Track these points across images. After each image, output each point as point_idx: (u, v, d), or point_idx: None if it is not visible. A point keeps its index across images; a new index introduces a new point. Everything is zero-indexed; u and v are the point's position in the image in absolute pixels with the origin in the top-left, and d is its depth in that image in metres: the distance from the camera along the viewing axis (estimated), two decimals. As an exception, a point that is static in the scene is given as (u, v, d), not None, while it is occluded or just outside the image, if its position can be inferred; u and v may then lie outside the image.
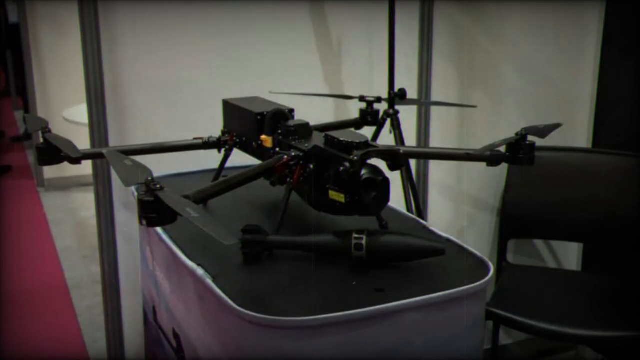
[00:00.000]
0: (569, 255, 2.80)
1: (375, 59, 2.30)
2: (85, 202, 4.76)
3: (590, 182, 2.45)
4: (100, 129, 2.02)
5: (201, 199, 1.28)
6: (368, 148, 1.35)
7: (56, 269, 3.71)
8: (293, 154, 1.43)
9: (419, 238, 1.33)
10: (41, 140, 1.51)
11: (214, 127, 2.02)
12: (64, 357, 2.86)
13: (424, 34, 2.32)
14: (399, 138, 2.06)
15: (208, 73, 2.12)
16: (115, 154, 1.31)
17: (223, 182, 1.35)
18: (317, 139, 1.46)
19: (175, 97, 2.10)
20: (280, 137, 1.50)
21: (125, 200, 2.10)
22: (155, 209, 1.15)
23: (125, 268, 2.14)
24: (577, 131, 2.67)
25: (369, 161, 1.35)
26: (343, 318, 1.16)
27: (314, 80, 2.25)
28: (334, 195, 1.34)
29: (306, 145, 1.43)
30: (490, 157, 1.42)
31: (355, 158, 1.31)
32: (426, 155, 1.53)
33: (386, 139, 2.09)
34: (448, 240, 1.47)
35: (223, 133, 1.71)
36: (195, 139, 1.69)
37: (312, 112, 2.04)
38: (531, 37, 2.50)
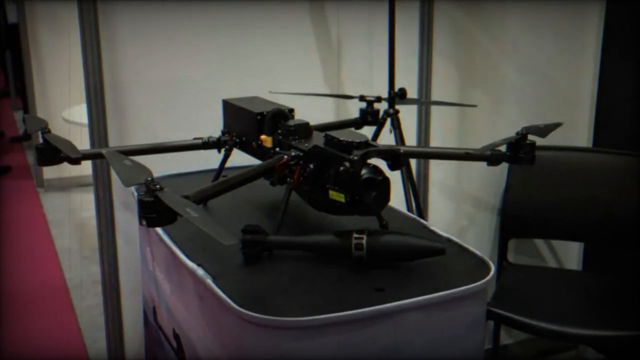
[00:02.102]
0: (570, 254, 2.80)
1: (376, 58, 2.30)
2: (85, 202, 4.75)
3: (590, 182, 2.45)
4: (99, 129, 2.02)
5: (201, 199, 1.28)
6: (368, 148, 1.34)
7: (56, 270, 3.71)
8: (293, 153, 1.43)
9: (419, 238, 1.33)
10: (41, 140, 1.51)
11: (214, 127, 2.02)
12: (64, 358, 2.85)
13: (424, 34, 2.32)
14: (399, 138, 2.05)
15: (208, 73, 2.11)
16: (115, 154, 1.31)
17: (223, 182, 1.35)
18: (317, 139, 1.46)
19: (175, 97, 2.10)
20: (280, 137, 1.50)
21: (125, 200, 2.10)
22: (155, 209, 1.15)
23: (125, 268, 2.14)
24: (577, 131, 2.67)
25: (369, 161, 1.34)
26: (343, 318, 1.16)
27: (314, 80, 2.25)
28: (334, 195, 1.34)
29: (306, 145, 1.43)
30: (490, 156, 1.42)
31: (356, 158, 1.31)
32: (426, 155, 1.53)
33: (386, 138, 2.09)
34: (448, 240, 1.46)
35: (223, 133, 1.70)
36: (195, 139, 1.69)
37: (312, 111, 2.04)
38: (531, 36, 2.50)
